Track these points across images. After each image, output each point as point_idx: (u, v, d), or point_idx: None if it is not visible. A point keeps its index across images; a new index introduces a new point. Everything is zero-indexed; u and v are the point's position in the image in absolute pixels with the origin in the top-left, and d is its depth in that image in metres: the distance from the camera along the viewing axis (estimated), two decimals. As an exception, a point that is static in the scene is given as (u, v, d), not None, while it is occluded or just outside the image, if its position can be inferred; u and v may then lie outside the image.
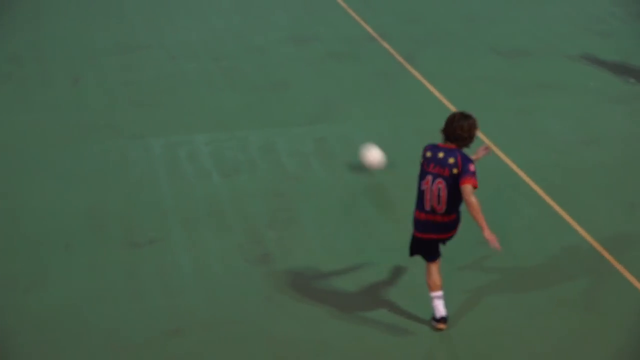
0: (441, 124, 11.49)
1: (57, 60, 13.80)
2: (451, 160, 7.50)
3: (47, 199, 10.15)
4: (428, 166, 7.62)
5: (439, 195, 7.55)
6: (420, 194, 7.68)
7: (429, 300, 7.88)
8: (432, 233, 7.73)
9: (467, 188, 7.41)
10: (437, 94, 12.77)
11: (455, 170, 7.48)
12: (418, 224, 7.77)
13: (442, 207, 7.57)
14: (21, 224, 9.67)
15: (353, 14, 15.61)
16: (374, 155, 10.71)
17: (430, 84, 13.04)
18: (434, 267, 7.86)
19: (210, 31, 15.02)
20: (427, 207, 7.62)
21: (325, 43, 14.53)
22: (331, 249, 9.22)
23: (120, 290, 8.48)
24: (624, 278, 8.65)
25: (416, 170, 10.58)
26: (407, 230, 9.52)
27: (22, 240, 9.33)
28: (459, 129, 7.55)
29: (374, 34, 14.77)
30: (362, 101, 12.71)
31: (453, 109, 12.25)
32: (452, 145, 7.60)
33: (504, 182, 10.41)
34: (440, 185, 7.53)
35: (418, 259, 8.07)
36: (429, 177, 7.59)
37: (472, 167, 7.48)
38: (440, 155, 7.58)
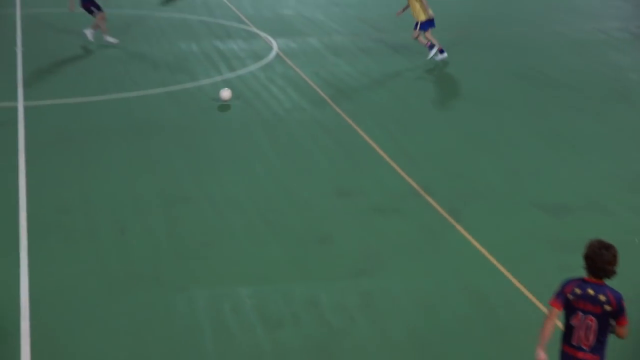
0: (486, 280, 11.56)
1: (104, 211, 13.97)
2: (602, 298, 7.72)
3: (89, 351, 10.14)
4: (578, 303, 7.80)
5: (587, 331, 7.76)
6: (569, 329, 7.88)
7: None
8: None
9: (626, 329, 7.81)
10: (482, 249, 12.74)
11: (608, 308, 7.72)
12: (565, 358, 7.95)
13: (589, 344, 7.77)
14: (64, 376, 9.66)
15: (397, 168, 15.74)
16: (226, 93, 19.11)
17: (475, 240, 13.02)
18: None
19: (256, 183, 15.17)
20: (575, 343, 7.83)
21: (370, 197, 14.62)
22: (376, 407, 9.09)
23: None
24: None
25: (463, 325, 10.55)
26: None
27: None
28: (607, 264, 7.77)
29: (418, 189, 14.85)
30: (406, 256, 12.70)
31: (498, 265, 12.22)
32: (600, 281, 7.80)
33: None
34: (591, 322, 7.75)
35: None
36: (580, 314, 7.79)
37: (624, 304, 7.76)
38: (590, 292, 7.78)
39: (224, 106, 19.12)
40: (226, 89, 19.27)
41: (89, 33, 24.32)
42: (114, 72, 21.83)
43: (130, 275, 12.05)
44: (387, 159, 16.19)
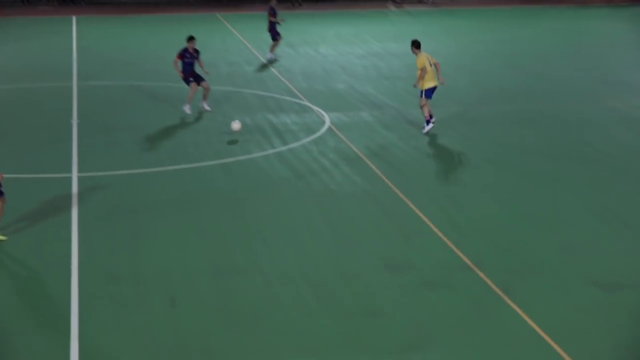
0: (537, 357, 11.41)
1: (155, 282, 14.04)
2: None
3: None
4: None
5: None
6: None
7: None
8: None
9: None
10: (534, 326, 12.57)
11: None
12: None
13: None
14: None
15: (447, 241, 15.66)
16: (236, 125, 22.23)
17: (527, 316, 12.85)
18: None
19: (306, 255, 15.18)
20: None
21: (420, 271, 14.54)
22: None
23: None
24: None
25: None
26: None
27: None
28: None
29: (469, 263, 14.75)
30: (456, 331, 12.57)
31: (550, 342, 12.04)
32: None
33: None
34: None
35: None
36: None
37: None
38: None
39: (276, 179, 19.23)
40: (236, 121, 22.60)
41: (205, 105, 25.13)
42: (167, 145, 22.11)
43: (179, 347, 12.05)
44: (438, 232, 16.12)
